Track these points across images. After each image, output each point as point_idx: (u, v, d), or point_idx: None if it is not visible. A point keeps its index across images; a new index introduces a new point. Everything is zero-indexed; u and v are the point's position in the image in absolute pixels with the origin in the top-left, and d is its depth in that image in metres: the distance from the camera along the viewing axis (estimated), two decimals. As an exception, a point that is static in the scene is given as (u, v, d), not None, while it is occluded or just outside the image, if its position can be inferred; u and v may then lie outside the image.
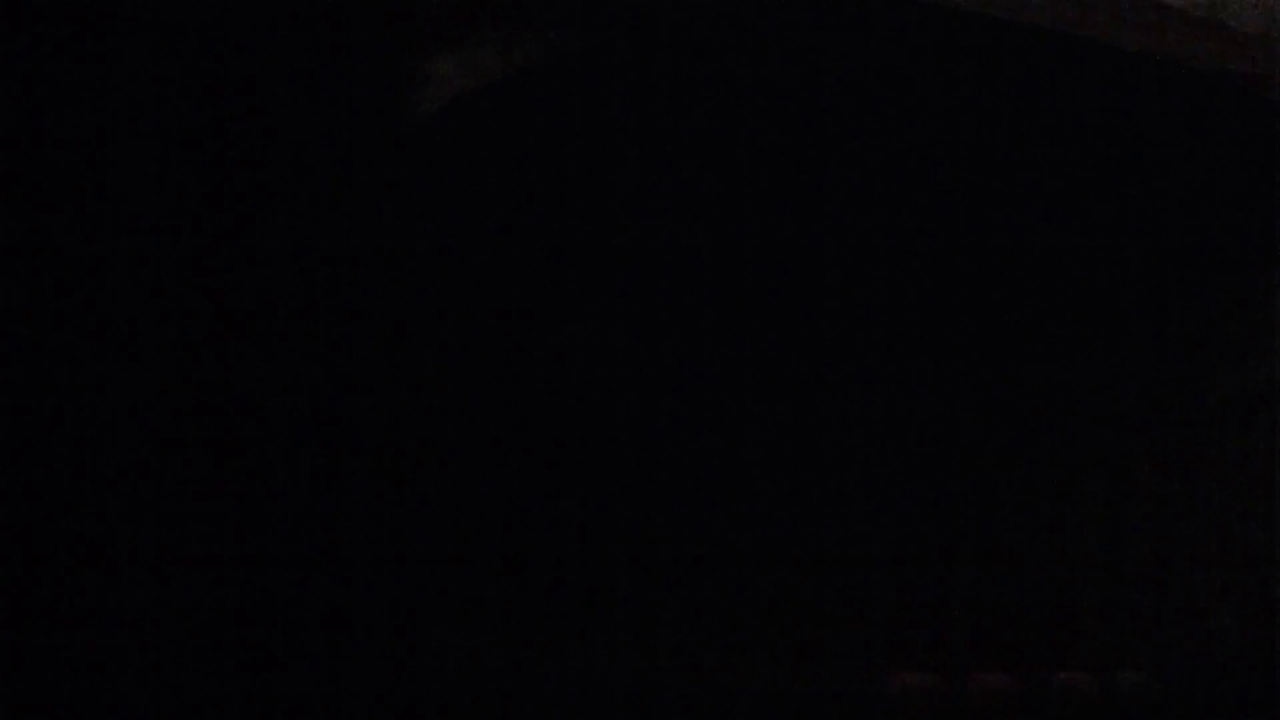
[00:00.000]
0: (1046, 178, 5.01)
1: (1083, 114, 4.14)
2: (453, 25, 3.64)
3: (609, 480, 5.73)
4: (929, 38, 3.66)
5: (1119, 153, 4.61)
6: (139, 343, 3.01)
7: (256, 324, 3.06)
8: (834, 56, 3.84)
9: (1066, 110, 4.37)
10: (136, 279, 2.97)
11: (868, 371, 5.77)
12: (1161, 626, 4.53)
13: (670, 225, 5.47)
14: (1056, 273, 5.48)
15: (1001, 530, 5.65)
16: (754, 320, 5.77)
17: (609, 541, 5.59)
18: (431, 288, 5.07)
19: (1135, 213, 5.02)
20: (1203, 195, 4.62)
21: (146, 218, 2.99)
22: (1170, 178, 4.64)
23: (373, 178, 3.28)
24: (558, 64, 3.88)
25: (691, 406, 5.68)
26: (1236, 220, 4.53)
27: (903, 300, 5.67)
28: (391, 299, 3.99)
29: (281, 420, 3.09)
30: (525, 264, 5.60)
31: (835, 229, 5.47)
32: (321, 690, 2.85)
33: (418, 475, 4.84)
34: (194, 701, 2.79)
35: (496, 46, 3.68)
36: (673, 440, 5.71)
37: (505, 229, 5.42)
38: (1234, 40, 3.71)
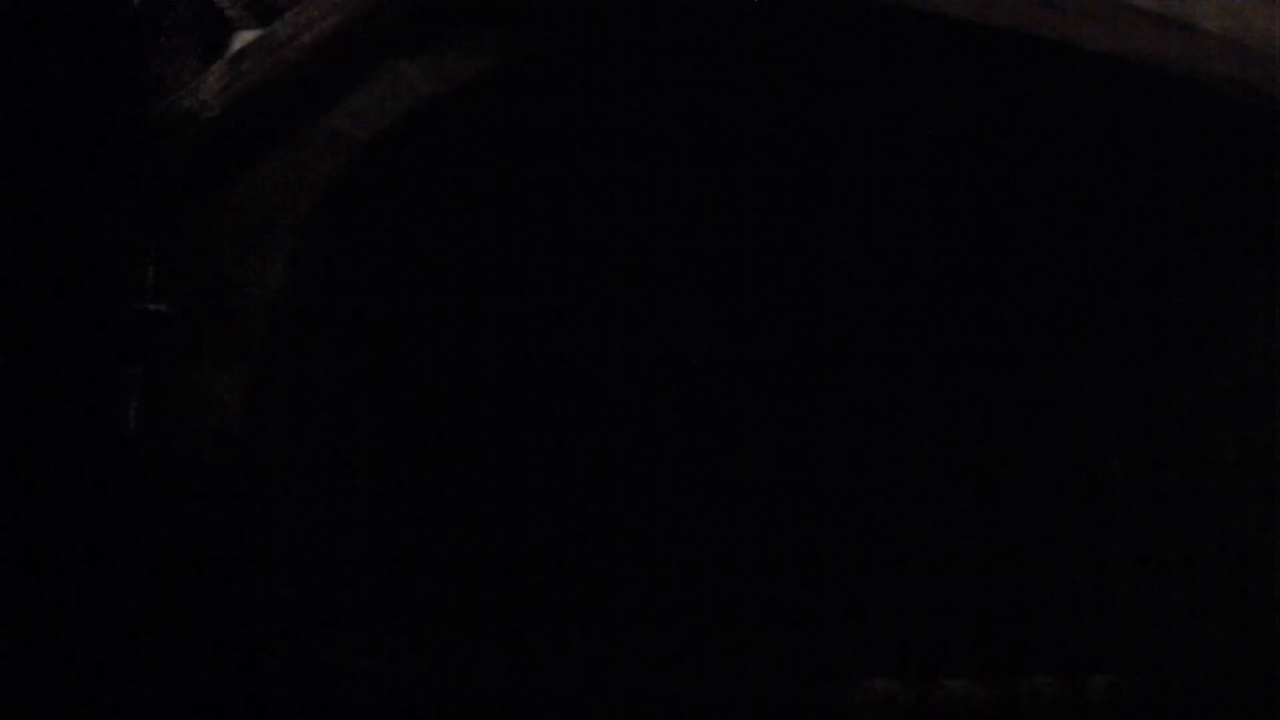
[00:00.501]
0: (1024, 177, 5.00)
1: (1056, 116, 4.13)
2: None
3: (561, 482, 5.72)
4: (890, 40, 3.65)
5: (1095, 155, 4.59)
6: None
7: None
8: (792, 59, 3.82)
9: (1042, 112, 4.35)
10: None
11: (836, 371, 5.75)
12: (1137, 629, 4.51)
13: (659, 222, 5.46)
14: (1036, 270, 5.47)
15: (973, 529, 5.63)
16: (712, 339, 5.77)
17: (557, 544, 5.59)
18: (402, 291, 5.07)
19: (1118, 211, 5.00)
20: (1186, 195, 4.61)
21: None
22: (1151, 179, 4.63)
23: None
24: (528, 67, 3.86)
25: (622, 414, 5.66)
26: (1219, 219, 4.52)
27: (879, 298, 5.65)
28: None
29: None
30: (502, 261, 5.58)
31: (807, 229, 5.45)
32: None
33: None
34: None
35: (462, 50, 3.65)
36: (628, 446, 5.71)
37: (482, 231, 5.41)
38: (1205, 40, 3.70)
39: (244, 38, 3.64)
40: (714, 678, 2.69)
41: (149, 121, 3.52)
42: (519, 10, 3.71)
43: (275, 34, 3.60)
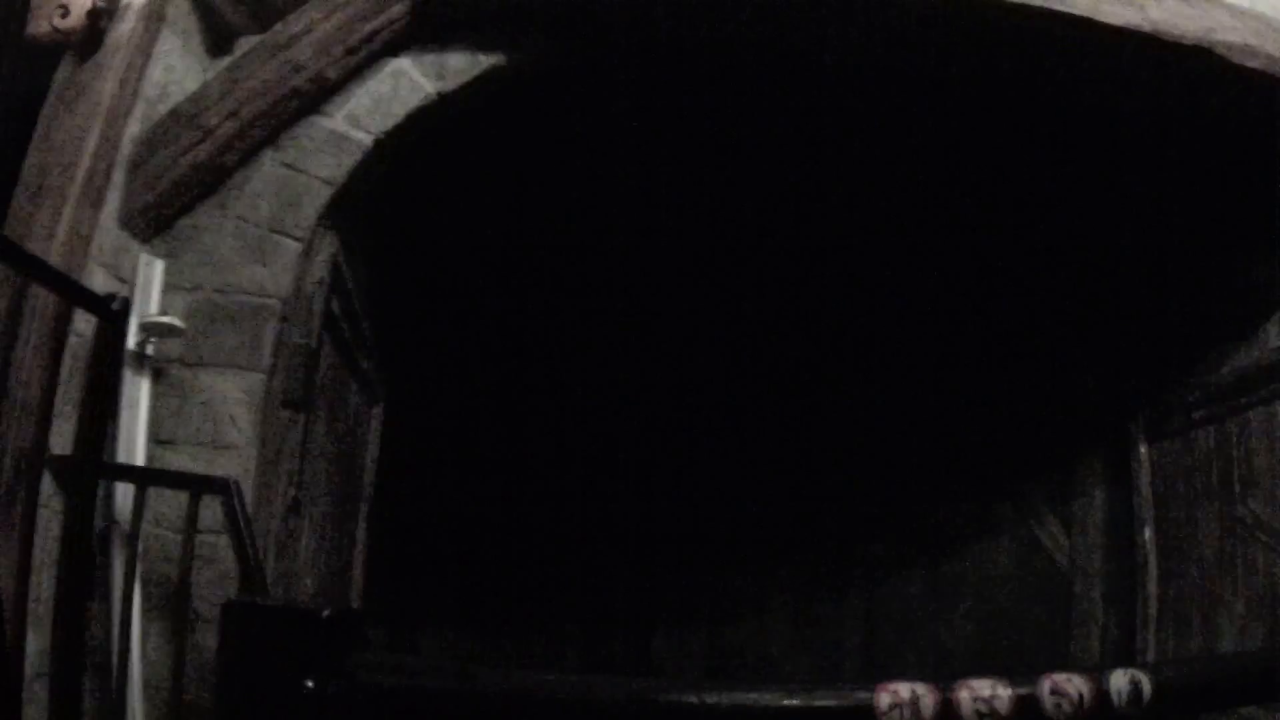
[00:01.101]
0: (1034, 160, 4.95)
1: (1068, 90, 4.06)
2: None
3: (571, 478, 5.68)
4: (899, 20, 3.58)
5: (1108, 133, 4.54)
6: None
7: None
8: (791, 42, 3.75)
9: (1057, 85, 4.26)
10: None
11: (851, 370, 5.71)
12: (1160, 623, 4.48)
13: (664, 225, 5.42)
14: (1041, 257, 5.42)
15: (989, 522, 5.60)
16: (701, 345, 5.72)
17: (573, 535, 5.54)
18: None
19: (1129, 197, 4.95)
20: (1198, 176, 4.56)
21: None
22: (1163, 157, 4.57)
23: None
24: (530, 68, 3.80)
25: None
26: (1233, 200, 4.47)
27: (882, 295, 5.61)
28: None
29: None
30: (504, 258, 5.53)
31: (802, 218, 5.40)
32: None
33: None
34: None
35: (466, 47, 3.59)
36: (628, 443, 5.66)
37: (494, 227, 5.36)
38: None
39: (245, 43, 3.60)
40: (735, 686, 2.64)
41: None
42: (522, 8, 3.66)
43: (276, 36, 3.55)
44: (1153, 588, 4.54)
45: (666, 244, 5.47)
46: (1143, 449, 4.86)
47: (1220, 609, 4.25)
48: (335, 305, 3.86)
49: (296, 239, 3.44)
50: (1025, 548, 5.48)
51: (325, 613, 2.25)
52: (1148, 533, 4.70)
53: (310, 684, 2.07)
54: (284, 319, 3.44)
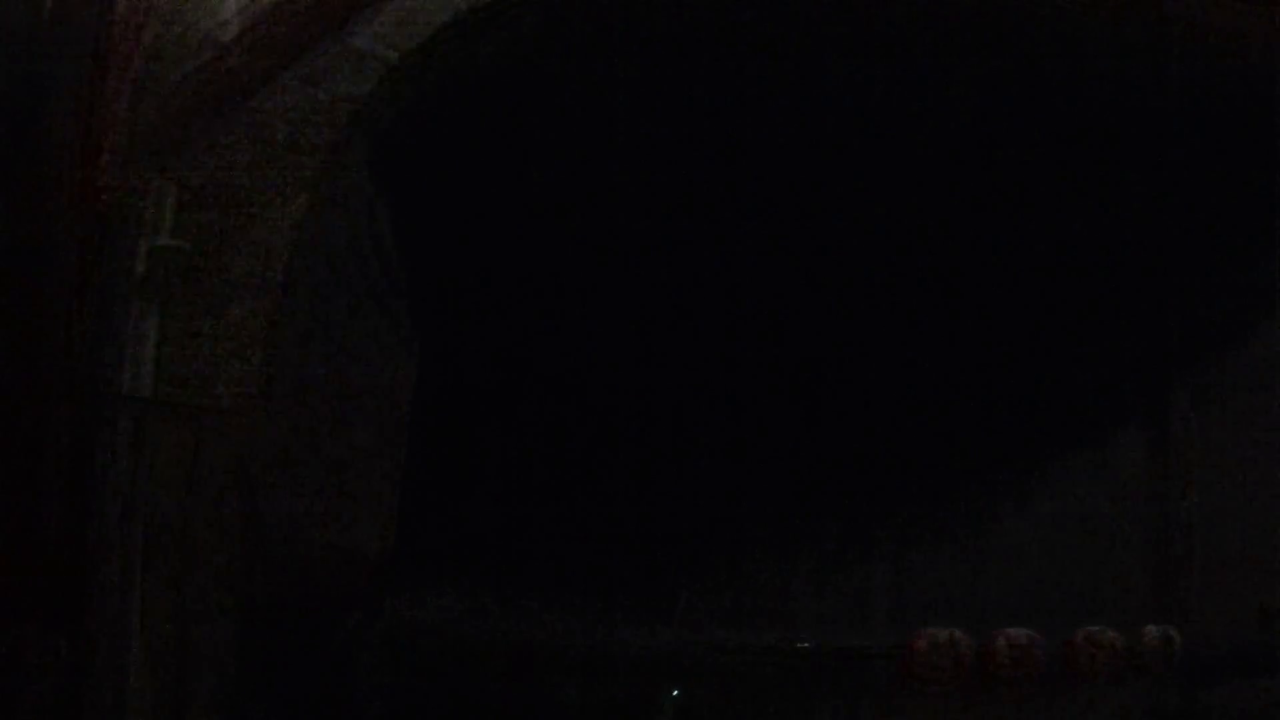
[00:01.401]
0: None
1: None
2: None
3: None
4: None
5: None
6: None
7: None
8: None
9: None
10: None
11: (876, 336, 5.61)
12: (1192, 579, 4.42)
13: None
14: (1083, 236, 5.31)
15: (1031, 483, 5.52)
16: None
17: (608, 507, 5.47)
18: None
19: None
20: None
21: None
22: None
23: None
24: None
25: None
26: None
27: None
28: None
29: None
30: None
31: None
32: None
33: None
34: None
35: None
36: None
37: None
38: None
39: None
40: (770, 630, 2.57)
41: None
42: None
43: (296, -51, 3.41)
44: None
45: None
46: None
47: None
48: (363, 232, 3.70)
49: (315, 159, 3.29)
50: (1062, 517, 5.41)
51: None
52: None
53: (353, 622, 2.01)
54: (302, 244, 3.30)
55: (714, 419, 5.65)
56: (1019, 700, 3.09)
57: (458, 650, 2.19)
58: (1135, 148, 4.78)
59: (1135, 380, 4.97)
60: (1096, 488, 5.10)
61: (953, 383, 5.51)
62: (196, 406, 3.24)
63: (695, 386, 5.56)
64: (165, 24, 3.44)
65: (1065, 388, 5.36)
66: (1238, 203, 4.59)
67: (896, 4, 3.91)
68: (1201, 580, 4.43)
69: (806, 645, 2.57)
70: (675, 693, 2.48)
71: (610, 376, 5.56)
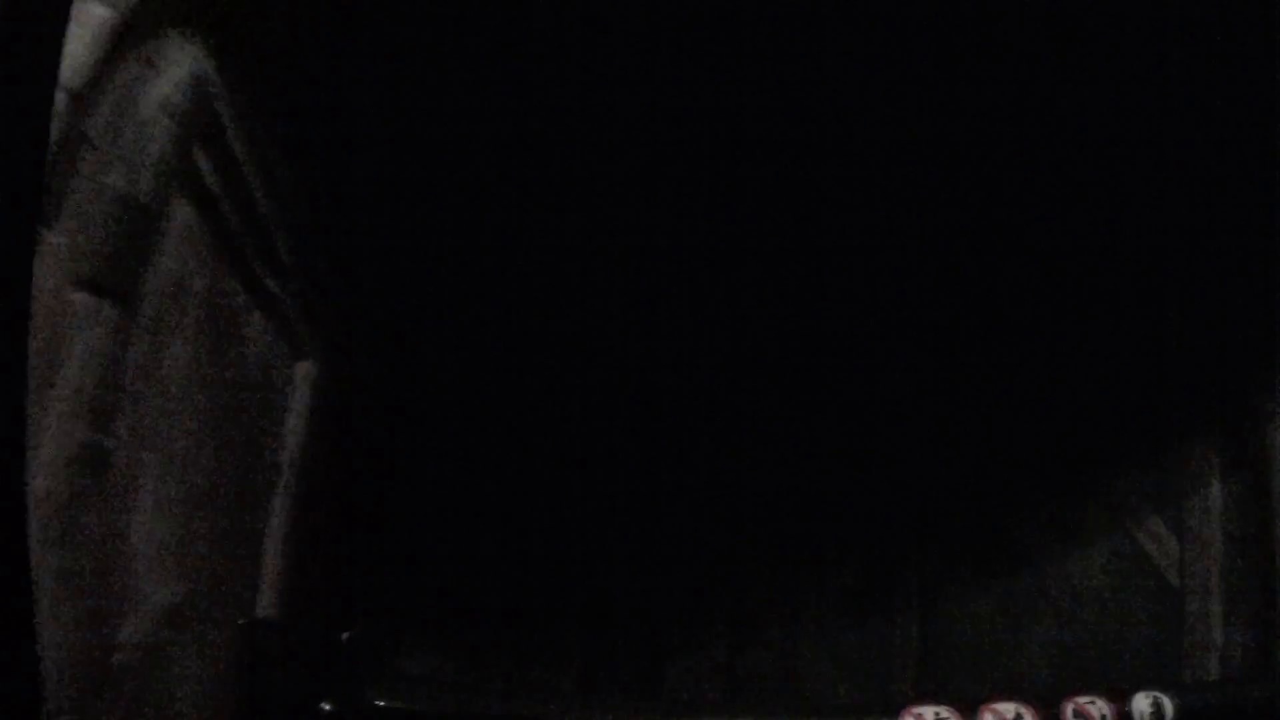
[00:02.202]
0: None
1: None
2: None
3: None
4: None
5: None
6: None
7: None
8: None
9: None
10: None
11: (896, 347, 5.54)
12: (1179, 644, 4.36)
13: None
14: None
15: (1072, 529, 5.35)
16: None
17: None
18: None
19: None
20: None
21: None
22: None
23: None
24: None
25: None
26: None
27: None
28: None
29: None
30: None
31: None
32: None
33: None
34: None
35: None
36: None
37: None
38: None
39: None
40: (760, 710, 2.52)
41: None
42: None
43: None
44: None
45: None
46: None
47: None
48: (206, 165, 2.44)
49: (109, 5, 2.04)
50: (1121, 559, 4.71)
51: (345, 635, 2.14)
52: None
53: (327, 707, 1.96)
54: (85, 138, 1.96)
55: (704, 469, 5.59)
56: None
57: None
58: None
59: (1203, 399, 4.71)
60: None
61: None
62: None
63: (685, 408, 5.47)
64: None
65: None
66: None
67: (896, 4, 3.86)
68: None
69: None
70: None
71: (602, 407, 5.47)
